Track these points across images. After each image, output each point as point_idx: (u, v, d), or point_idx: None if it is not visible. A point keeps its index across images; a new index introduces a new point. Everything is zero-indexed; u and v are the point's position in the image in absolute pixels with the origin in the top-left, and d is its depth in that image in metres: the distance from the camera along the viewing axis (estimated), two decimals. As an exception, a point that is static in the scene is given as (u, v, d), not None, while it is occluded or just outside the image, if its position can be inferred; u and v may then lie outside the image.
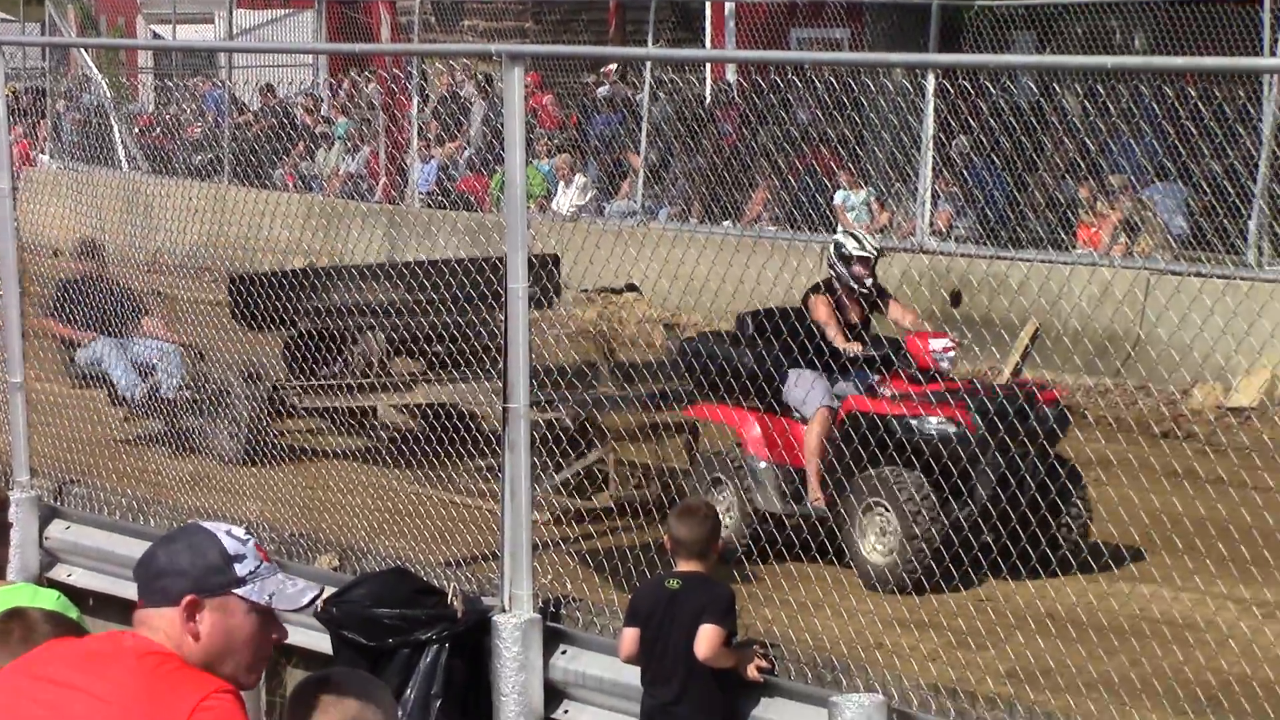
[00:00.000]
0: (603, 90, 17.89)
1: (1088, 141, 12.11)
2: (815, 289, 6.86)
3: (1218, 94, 10.41)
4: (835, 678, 4.68)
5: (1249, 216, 11.41)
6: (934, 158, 12.73)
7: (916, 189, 12.97)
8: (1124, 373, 9.80)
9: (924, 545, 6.17)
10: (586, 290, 11.17)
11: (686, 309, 11.59)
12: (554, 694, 5.21)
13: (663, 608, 4.65)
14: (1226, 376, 9.53)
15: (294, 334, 8.32)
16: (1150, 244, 11.85)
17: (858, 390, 6.68)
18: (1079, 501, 6.39)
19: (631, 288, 12.26)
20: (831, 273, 6.94)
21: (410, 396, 8.17)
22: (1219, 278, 10.80)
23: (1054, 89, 11.91)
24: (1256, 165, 11.30)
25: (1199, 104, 9.85)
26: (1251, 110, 11.38)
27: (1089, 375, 9.56)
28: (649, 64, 15.48)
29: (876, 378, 6.74)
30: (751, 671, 4.68)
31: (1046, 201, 12.92)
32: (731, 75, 17.02)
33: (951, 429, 6.31)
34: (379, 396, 8.27)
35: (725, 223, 13.73)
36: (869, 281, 6.91)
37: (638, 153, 15.52)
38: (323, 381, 8.50)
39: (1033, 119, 12.46)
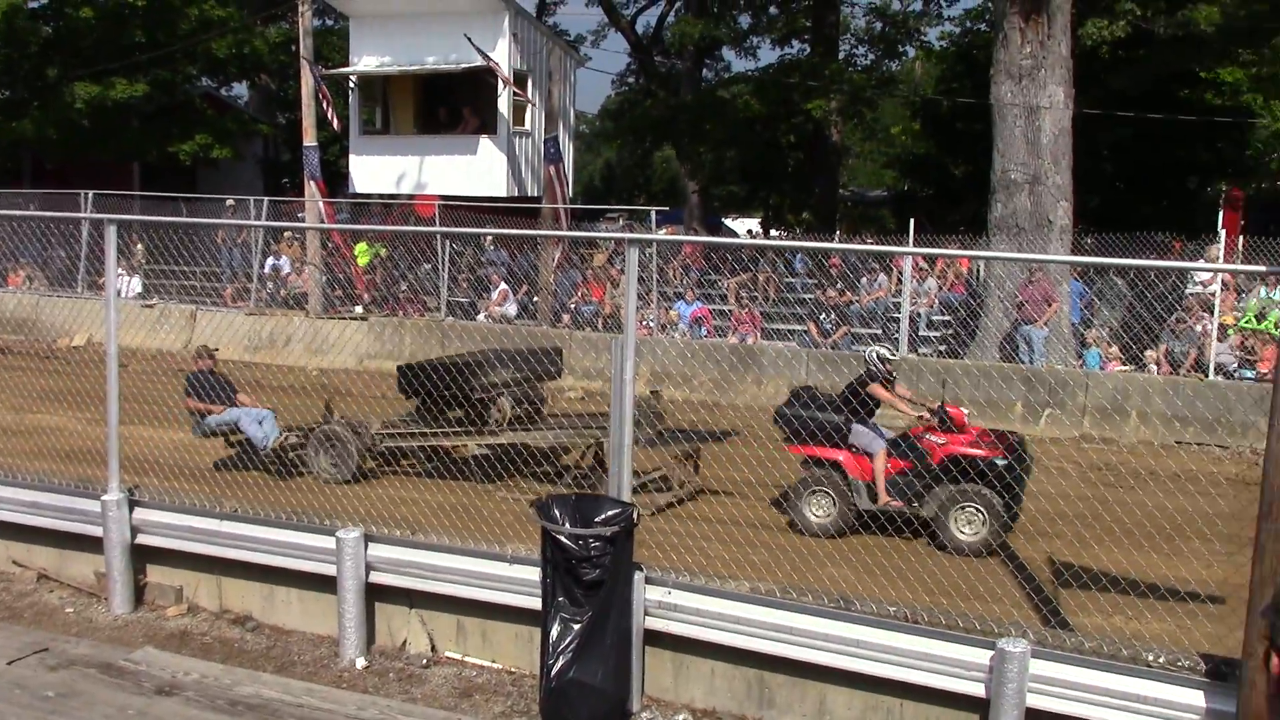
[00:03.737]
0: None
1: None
2: (872, 378, 10.68)
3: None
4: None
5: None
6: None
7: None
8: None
9: (1000, 529, 10.03)
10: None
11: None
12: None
13: None
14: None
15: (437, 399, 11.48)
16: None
17: (878, 433, 10.70)
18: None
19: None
20: (876, 369, 10.71)
21: (495, 438, 11.73)
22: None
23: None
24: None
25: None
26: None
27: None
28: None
29: (927, 431, 10.56)
30: None
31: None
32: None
33: (1001, 462, 10.02)
34: (469, 438, 11.88)
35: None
36: (894, 374, 11.12)
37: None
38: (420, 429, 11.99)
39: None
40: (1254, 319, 17.38)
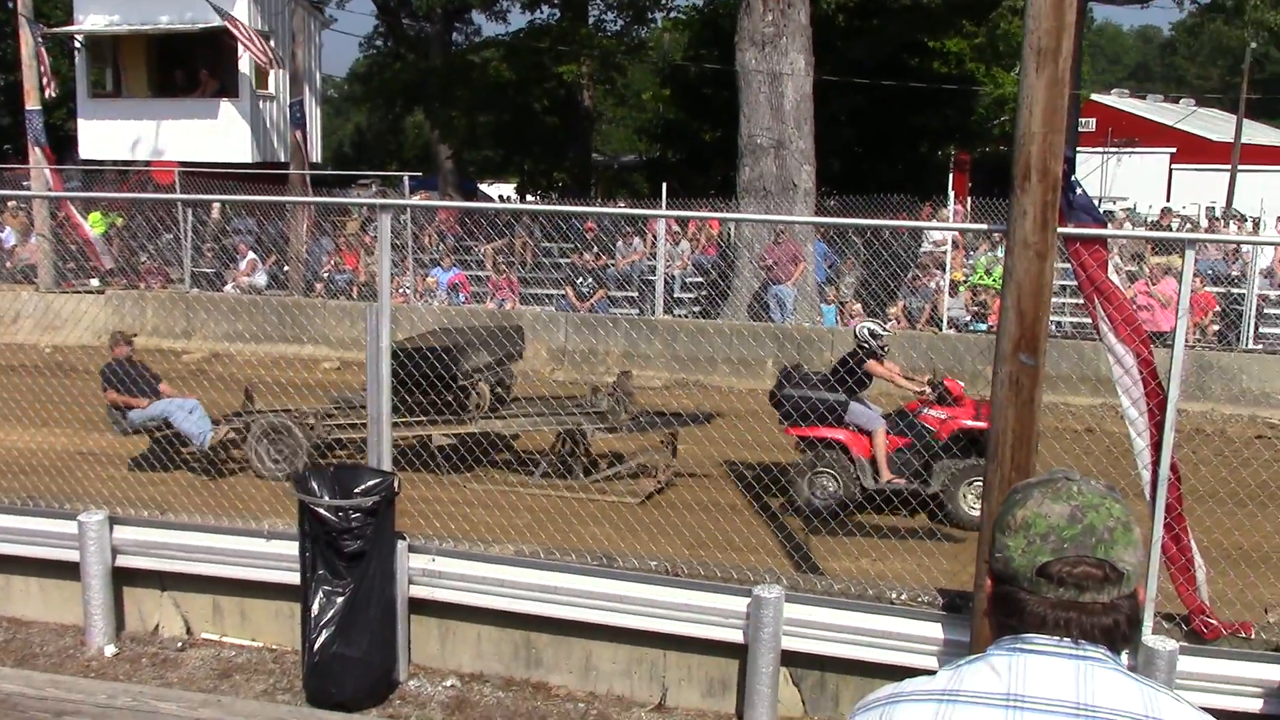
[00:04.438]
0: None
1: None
2: (869, 355, 10.49)
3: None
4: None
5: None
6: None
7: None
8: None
9: None
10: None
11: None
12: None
13: None
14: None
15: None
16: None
17: (868, 409, 10.46)
18: None
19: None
20: (868, 345, 10.51)
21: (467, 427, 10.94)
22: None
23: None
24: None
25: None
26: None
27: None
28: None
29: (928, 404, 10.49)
30: None
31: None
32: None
33: None
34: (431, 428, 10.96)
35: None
36: (885, 349, 10.79)
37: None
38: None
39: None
40: (984, 274, 18.52)
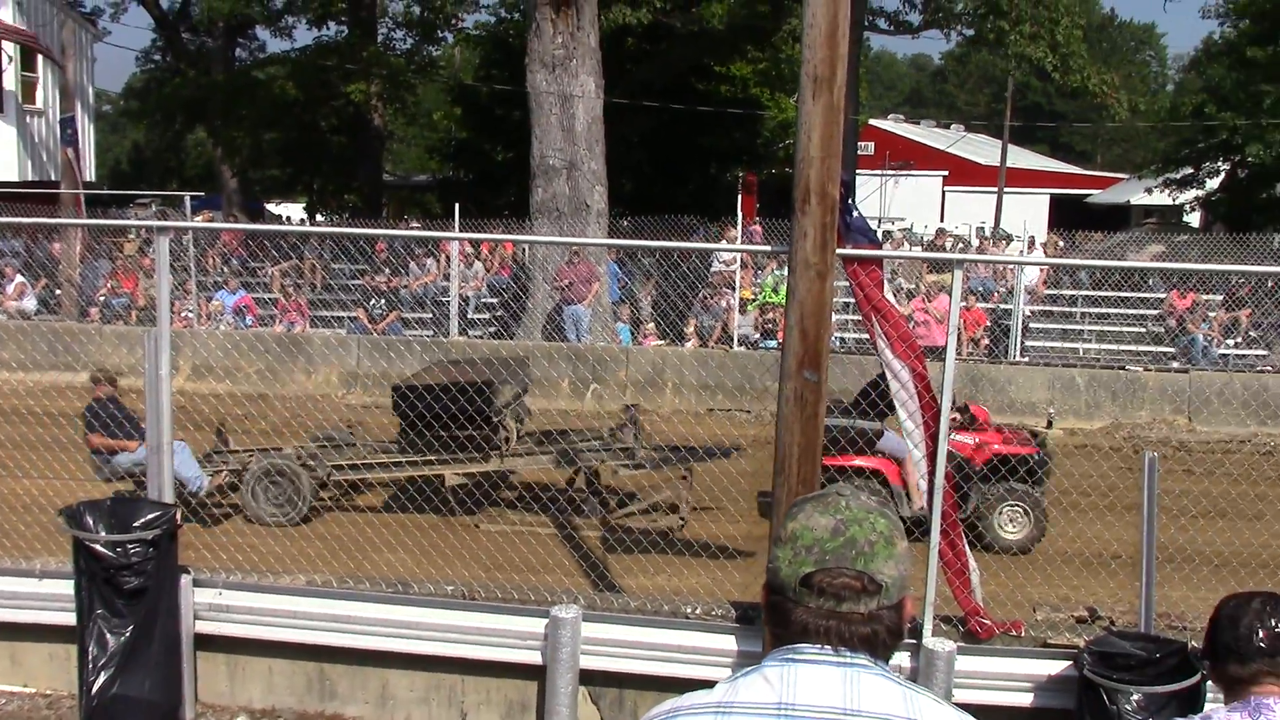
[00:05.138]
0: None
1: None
2: None
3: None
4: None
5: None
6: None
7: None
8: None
9: (1041, 525, 10.18)
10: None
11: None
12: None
13: None
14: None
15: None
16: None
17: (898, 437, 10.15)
18: None
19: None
20: None
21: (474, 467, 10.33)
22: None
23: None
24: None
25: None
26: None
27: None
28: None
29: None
30: None
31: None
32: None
33: (1035, 457, 10.12)
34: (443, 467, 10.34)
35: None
36: None
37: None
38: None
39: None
40: (771, 293, 19.06)
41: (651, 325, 18.50)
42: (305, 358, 17.30)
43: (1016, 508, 10.17)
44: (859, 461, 10.07)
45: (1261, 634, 2.89)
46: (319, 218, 37.88)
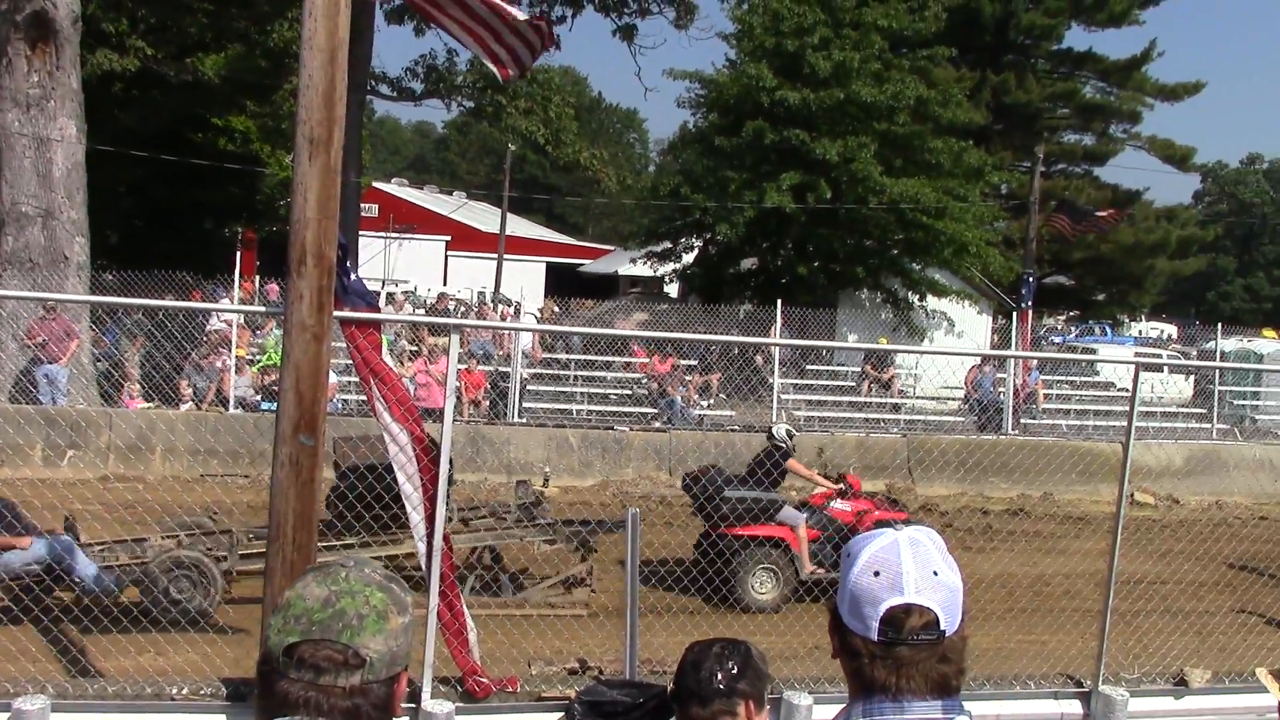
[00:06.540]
0: None
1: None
2: (785, 456, 11.48)
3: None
4: None
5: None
6: None
7: None
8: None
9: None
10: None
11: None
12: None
13: None
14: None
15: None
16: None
17: (797, 510, 11.36)
18: None
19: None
20: (784, 445, 11.57)
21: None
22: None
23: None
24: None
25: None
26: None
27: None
28: None
29: (838, 499, 11.65)
30: None
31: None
32: None
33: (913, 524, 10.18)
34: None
35: None
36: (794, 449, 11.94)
37: None
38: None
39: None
40: (273, 354, 18.50)
41: (137, 386, 17.37)
42: None
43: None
44: (763, 531, 10.95)
45: (720, 676, 3.18)
46: None
